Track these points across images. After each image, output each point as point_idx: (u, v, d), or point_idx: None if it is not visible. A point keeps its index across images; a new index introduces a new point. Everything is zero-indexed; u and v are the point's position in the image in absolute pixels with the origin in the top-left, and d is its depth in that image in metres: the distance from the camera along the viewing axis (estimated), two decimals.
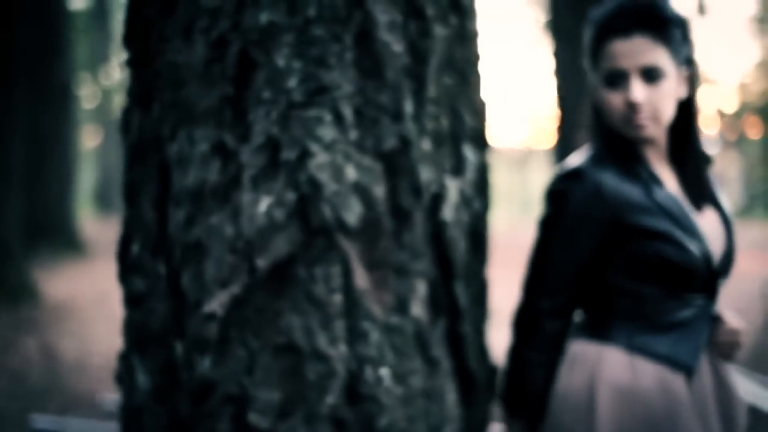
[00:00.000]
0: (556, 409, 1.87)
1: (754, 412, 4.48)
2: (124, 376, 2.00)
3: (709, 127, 25.42)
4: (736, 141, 26.68)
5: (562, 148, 7.98)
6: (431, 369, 1.93)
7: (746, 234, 16.51)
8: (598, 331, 1.89)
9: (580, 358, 1.87)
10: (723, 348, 1.95)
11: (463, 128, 2.01)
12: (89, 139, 29.11)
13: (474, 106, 2.06)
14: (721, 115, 26.05)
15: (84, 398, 5.51)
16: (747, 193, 25.40)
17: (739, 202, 25.39)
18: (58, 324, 8.27)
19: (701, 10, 23.49)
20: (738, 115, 26.19)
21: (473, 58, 2.08)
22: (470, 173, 2.02)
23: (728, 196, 25.75)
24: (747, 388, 4.79)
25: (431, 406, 1.92)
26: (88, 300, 9.54)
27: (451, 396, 1.97)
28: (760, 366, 5.96)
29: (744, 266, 11.32)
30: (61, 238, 12.52)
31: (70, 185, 13.05)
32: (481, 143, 2.10)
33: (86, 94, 25.32)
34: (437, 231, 1.93)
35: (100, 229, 16.92)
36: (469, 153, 2.01)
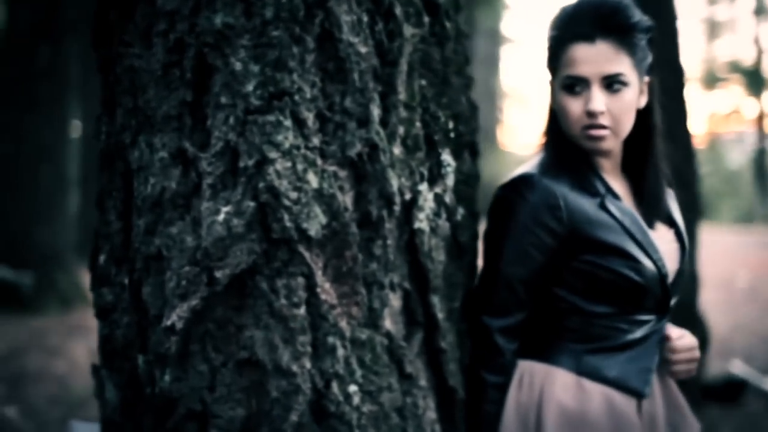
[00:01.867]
0: (506, 429, 1.76)
1: None
2: (98, 389, 1.95)
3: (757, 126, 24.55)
4: None
5: None
6: (407, 385, 1.84)
7: None
8: (546, 351, 1.77)
9: (528, 378, 1.76)
10: (681, 366, 1.82)
11: (443, 133, 1.91)
12: None
13: (457, 109, 1.96)
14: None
15: None
16: None
17: None
18: None
19: (760, 11, 22.79)
20: None
21: (457, 60, 1.98)
22: (450, 180, 1.91)
23: None
24: None
25: (407, 425, 1.82)
26: None
27: (429, 414, 1.87)
28: None
29: None
30: None
31: None
32: (466, 148, 1.99)
33: None
34: (412, 240, 1.84)
35: None
36: (449, 158, 1.91)
